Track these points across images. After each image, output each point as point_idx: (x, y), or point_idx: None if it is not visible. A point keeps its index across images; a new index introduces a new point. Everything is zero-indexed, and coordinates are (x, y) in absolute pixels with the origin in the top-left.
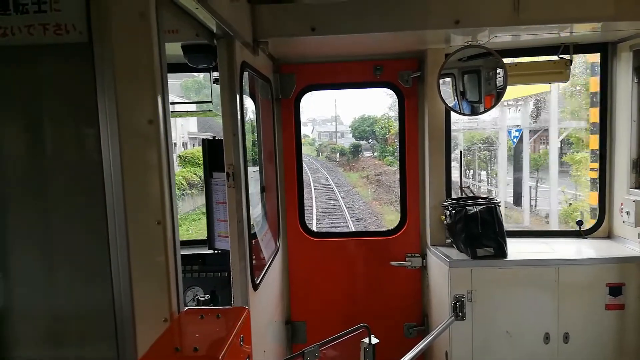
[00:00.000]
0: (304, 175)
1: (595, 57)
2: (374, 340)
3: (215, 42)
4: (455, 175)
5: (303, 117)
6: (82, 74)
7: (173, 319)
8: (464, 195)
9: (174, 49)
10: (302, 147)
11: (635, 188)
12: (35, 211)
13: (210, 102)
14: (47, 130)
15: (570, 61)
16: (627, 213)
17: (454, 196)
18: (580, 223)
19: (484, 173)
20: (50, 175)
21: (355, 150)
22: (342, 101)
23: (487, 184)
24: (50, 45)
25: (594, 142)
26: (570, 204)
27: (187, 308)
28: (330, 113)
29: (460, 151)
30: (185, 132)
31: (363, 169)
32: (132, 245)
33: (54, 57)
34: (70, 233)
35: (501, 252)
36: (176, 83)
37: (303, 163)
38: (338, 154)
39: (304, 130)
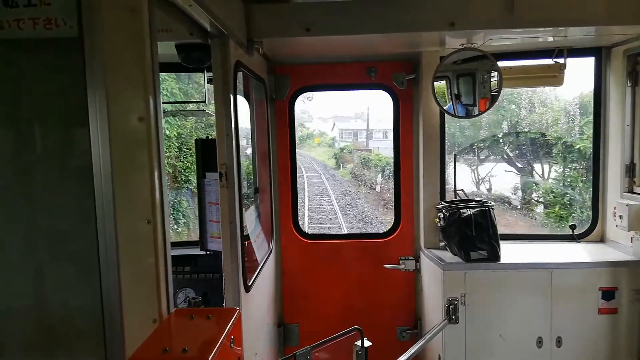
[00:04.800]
0: None
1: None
2: (367, 343)
3: (209, 41)
4: None
5: (324, 113)
6: (72, 68)
7: (162, 319)
8: (457, 198)
9: (168, 48)
10: (318, 149)
11: (629, 192)
12: (21, 208)
13: (204, 102)
14: (36, 126)
15: (565, 65)
16: (620, 217)
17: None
18: (573, 227)
19: None
20: (38, 172)
21: None
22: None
23: None
24: (40, 40)
25: None
26: None
27: (176, 309)
28: (354, 110)
29: (455, 154)
30: None
31: None
32: (121, 244)
33: (44, 51)
34: (57, 230)
35: (495, 256)
36: None
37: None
38: (380, 175)
39: (322, 126)
